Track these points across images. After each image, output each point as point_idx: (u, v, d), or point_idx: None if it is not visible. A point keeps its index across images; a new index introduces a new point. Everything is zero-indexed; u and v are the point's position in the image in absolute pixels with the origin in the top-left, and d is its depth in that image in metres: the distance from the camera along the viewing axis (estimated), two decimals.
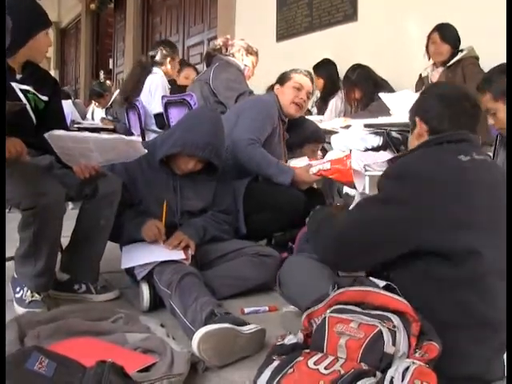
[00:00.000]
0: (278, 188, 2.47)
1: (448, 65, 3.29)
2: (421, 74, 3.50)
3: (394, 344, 1.13)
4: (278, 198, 2.43)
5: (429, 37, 3.36)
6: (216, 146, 2.10)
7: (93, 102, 6.02)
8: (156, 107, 3.79)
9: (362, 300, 1.23)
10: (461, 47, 3.30)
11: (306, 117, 3.85)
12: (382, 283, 1.26)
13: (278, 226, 2.55)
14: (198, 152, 2.06)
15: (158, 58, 3.92)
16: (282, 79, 2.81)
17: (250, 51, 3.47)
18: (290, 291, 1.67)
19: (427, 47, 3.39)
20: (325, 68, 4.25)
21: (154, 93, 3.82)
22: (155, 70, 3.91)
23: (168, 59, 3.95)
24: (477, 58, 3.23)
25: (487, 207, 1.34)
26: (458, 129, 1.45)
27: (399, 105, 2.85)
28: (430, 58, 3.41)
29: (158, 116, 3.81)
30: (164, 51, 3.95)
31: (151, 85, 3.85)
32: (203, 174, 2.19)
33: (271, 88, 3.87)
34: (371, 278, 1.28)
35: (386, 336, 1.13)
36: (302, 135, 2.98)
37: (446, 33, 3.28)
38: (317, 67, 4.26)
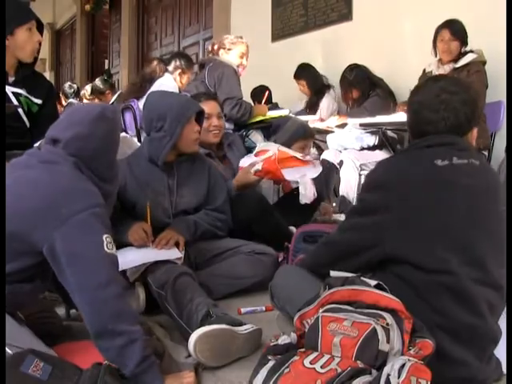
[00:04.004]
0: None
1: (456, 66, 3.20)
2: (424, 69, 3.42)
3: (388, 341, 1.13)
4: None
5: (436, 33, 3.24)
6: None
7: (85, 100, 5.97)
8: None
9: (354, 299, 1.23)
10: (469, 48, 3.21)
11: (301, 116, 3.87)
12: (373, 282, 1.26)
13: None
14: (194, 107, 2.13)
15: (170, 68, 3.92)
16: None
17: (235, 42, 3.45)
18: (281, 302, 1.66)
19: (434, 43, 3.27)
20: (304, 72, 4.29)
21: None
22: (167, 75, 3.90)
23: (178, 71, 3.93)
24: (484, 63, 3.16)
25: (463, 214, 1.30)
26: (440, 132, 1.39)
27: None
28: (437, 55, 3.30)
29: None
30: (177, 63, 3.95)
31: (160, 86, 3.85)
32: (197, 161, 2.22)
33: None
34: (362, 278, 1.29)
35: (380, 333, 1.13)
36: (287, 134, 2.90)
37: (456, 28, 3.17)
38: (296, 75, 4.31)
